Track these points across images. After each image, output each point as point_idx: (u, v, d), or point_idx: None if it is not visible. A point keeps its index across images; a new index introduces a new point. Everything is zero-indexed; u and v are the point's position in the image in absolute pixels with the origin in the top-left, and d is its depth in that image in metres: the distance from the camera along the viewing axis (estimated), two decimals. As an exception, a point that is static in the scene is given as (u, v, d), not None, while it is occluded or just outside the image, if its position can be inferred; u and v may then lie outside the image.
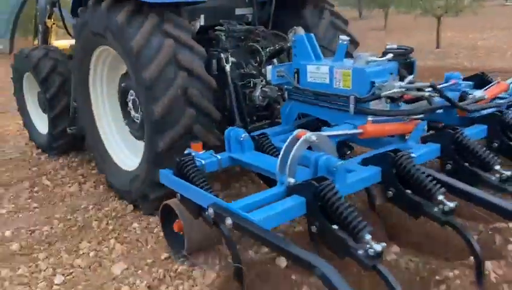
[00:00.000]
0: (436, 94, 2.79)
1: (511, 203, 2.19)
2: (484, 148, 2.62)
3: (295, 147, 2.23)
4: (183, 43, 3.13)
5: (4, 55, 6.49)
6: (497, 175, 2.48)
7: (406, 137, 2.95)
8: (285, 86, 3.37)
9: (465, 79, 3.63)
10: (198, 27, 3.66)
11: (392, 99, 2.75)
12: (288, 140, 2.30)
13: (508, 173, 2.45)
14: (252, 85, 3.61)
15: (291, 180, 2.25)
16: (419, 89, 2.77)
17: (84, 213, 3.88)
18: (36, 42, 5.81)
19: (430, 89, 2.79)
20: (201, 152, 2.85)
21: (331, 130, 2.74)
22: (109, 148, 3.99)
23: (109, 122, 4.06)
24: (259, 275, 2.31)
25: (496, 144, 2.96)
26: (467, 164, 2.62)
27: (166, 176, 2.73)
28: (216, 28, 3.76)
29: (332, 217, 2.03)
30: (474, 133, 2.92)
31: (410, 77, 2.78)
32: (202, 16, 3.71)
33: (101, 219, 3.70)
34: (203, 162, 2.74)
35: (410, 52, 3.07)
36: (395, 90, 2.66)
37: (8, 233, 3.60)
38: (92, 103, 4.01)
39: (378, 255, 1.83)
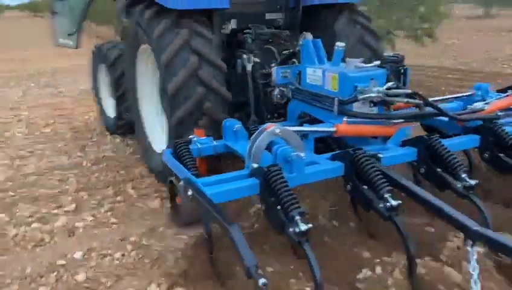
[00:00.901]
0: (419, 101, 2.97)
1: (450, 207, 2.26)
2: (454, 157, 2.70)
3: (259, 138, 2.53)
4: (198, 34, 3.53)
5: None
6: (463, 183, 2.60)
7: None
8: (290, 86, 3.65)
9: (498, 91, 3.66)
10: (229, 30, 4.08)
11: (374, 103, 2.96)
12: (257, 132, 2.56)
13: (472, 182, 2.58)
14: (272, 84, 3.78)
15: (254, 165, 2.50)
16: (408, 96, 2.98)
17: (161, 238, 3.37)
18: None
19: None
20: (202, 137, 3.17)
21: (305, 127, 3.08)
22: (150, 135, 4.42)
23: (150, 110, 4.46)
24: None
25: (487, 155, 3.08)
26: (439, 170, 2.75)
27: (166, 155, 3.04)
28: (245, 31, 4.00)
29: (275, 198, 2.27)
30: (465, 142, 3.12)
31: (389, 84, 2.94)
32: (234, 20, 4.06)
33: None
34: (199, 145, 3.08)
35: (400, 61, 3.19)
36: (371, 94, 2.86)
37: (78, 255, 3.23)
38: (137, 93, 4.44)
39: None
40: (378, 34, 4.31)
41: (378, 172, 2.46)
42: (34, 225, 3.72)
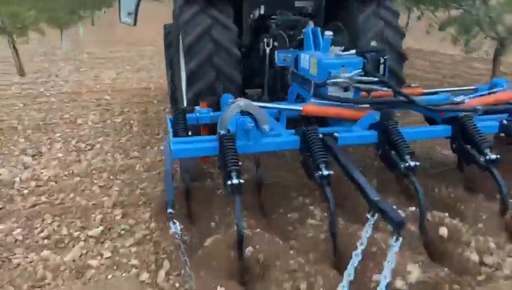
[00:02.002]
0: (387, 88, 3.25)
1: (372, 189, 2.43)
2: (402, 140, 2.91)
3: (227, 110, 2.92)
4: (219, 22, 3.86)
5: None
6: (407, 164, 2.80)
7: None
8: (290, 70, 3.93)
9: None
10: (257, 15, 4.31)
11: (345, 88, 3.26)
12: (228, 104, 2.96)
13: (412, 163, 2.79)
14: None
15: (221, 132, 2.82)
16: (377, 84, 3.24)
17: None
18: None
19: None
20: (204, 109, 3.53)
21: (273, 104, 3.50)
22: None
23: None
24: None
25: (455, 145, 3.24)
26: (392, 152, 2.95)
27: (167, 121, 3.44)
28: (272, 17, 4.18)
29: (222, 160, 2.68)
30: (435, 131, 3.38)
31: (358, 70, 3.20)
32: (262, 6, 4.24)
33: None
34: (198, 115, 3.48)
35: (379, 51, 3.33)
36: (338, 80, 3.20)
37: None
38: (180, 72, 4.58)
39: None
40: (401, 30, 4.33)
41: (319, 146, 2.77)
42: (43, 253, 2.97)
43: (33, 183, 4.08)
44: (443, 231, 2.72)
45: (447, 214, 2.89)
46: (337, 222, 2.60)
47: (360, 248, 2.20)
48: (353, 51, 3.37)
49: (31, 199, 3.76)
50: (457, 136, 3.16)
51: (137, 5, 5.71)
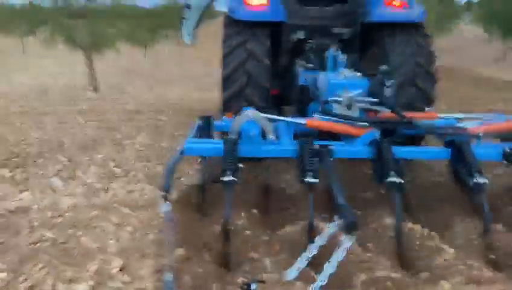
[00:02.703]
0: (387, 109, 3.49)
1: (341, 194, 2.65)
2: (390, 159, 3.02)
3: (238, 118, 3.25)
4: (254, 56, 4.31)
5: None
6: (389, 178, 2.93)
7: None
8: (310, 88, 4.29)
9: None
10: (295, 39, 4.74)
11: (347, 106, 3.45)
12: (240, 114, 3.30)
13: (397, 180, 2.92)
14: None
15: (232, 137, 3.18)
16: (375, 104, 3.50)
17: None
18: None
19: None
20: (228, 118, 3.89)
21: (278, 117, 3.66)
22: None
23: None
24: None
25: (451, 168, 3.36)
26: (380, 168, 3.12)
27: (194, 124, 3.78)
28: (308, 41, 4.70)
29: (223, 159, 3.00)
30: (432, 152, 3.53)
31: (354, 92, 3.44)
32: (301, 32, 4.72)
33: None
34: (222, 123, 3.90)
35: (385, 73, 3.54)
36: (338, 98, 3.45)
37: None
38: None
39: None
40: (433, 54, 4.41)
41: (310, 156, 3.02)
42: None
43: (49, 214, 3.69)
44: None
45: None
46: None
47: (318, 242, 2.53)
48: (358, 74, 3.69)
49: (37, 234, 3.34)
50: (454, 159, 3.26)
51: (196, 26, 6.14)
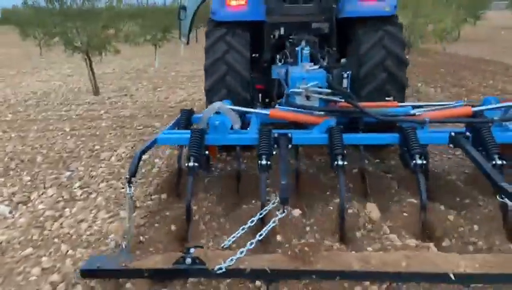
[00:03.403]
0: (345, 98, 3.77)
1: (286, 176, 2.99)
2: (338, 143, 3.27)
3: (207, 110, 3.57)
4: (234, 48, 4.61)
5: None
6: (335, 162, 3.18)
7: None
8: (282, 81, 4.37)
9: None
10: (277, 36, 4.84)
11: (307, 97, 3.69)
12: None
13: (340, 162, 3.17)
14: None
15: (200, 126, 3.52)
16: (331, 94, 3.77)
17: None
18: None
19: None
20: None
21: (244, 108, 4.01)
22: None
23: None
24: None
25: (400, 151, 3.55)
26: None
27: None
28: (290, 36, 4.78)
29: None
30: (381, 138, 3.74)
31: (314, 83, 3.64)
32: (282, 28, 4.79)
33: None
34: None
35: (341, 66, 4.24)
36: (295, 90, 3.68)
37: None
38: None
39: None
40: (403, 42, 4.68)
41: (267, 143, 3.27)
42: None
43: (-27, 253, 3.09)
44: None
45: None
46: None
47: (257, 216, 2.90)
48: (316, 67, 3.89)
49: None
50: (401, 143, 3.47)
51: (191, 25, 6.24)
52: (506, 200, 2.70)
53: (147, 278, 2.57)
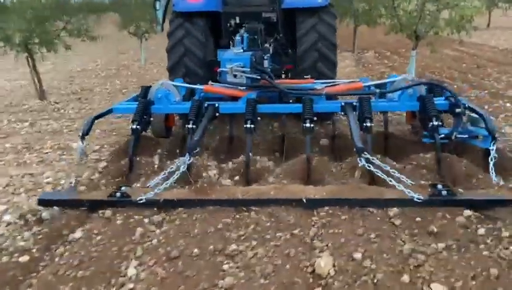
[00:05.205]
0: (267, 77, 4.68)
1: (198, 136, 4.00)
2: (249, 111, 4.17)
3: (154, 86, 4.64)
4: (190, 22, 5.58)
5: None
6: (246, 125, 4.09)
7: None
8: None
9: None
10: (233, 24, 5.63)
11: (234, 75, 4.65)
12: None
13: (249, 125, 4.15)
14: None
15: (147, 99, 4.53)
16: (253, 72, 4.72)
17: None
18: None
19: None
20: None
21: (187, 85, 5.16)
22: None
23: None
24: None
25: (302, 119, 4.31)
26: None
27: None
28: (243, 25, 5.55)
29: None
30: (287, 108, 4.67)
31: (238, 64, 4.61)
32: (237, 17, 5.60)
33: None
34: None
35: (262, 50, 5.13)
36: (223, 69, 4.69)
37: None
38: None
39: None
40: (334, 27, 5.47)
41: (195, 111, 4.21)
42: None
43: None
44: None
45: None
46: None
47: (168, 169, 3.75)
48: (240, 50, 4.90)
49: None
50: (302, 111, 4.22)
51: (165, 12, 6.55)
52: (361, 159, 3.56)
53: (87, 207, 3.45)
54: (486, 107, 6.13)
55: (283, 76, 5.93)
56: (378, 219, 3.11)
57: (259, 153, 4.33)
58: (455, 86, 7.76)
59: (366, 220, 3.08)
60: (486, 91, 7.26)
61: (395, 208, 3.19)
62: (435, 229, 2.89)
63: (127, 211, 3.37)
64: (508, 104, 6.31)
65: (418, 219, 3.08)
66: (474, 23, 7.35)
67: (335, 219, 3.13)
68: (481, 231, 2.89)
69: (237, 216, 3.26)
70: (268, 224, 3.12)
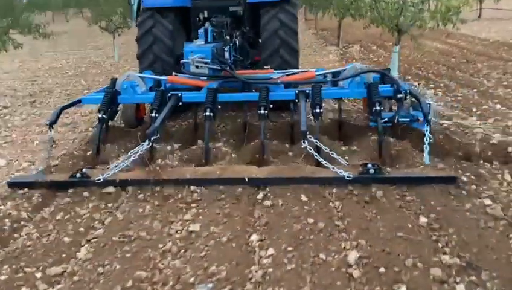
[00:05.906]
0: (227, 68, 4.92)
1: (160, 121, 4.25)
2: (209, 100, 4.46)
3: (120, 77, 4.85)
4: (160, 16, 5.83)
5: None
6: (204, 113, 4.39)
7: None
8: None
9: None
10: (202, 18, 5.90)
11: (196, 66, 4.83)
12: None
13: (208, 113, 4.42)
14: None
15: (113, 89, 4.77)
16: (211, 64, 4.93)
17: None
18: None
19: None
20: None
21: (153, 76, 5.37)
22: None
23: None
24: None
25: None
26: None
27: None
28: (211, 19, 5.64)
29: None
30: (251, 96, 4.76)
31: (198, 56, 4.81)
32: (206, 11, 5.88)
33: None
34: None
35: (223, 42, 5.24)
36: (185, 60, 4.86)
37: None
38: None
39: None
40: (295, 16, 5.75)
41: (158, 100, 4.50)
42: None
43: None
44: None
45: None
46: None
47: (128, 154, 4.01)
48: (202, 42, 5.15)
49: None
50: (258, 100, 4.48)
51: (137, 12, 6.45)
52: (304, 142, 3.86)
53: (51, 188, 3.77)
54: (474, 109, 5.53)
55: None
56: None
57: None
58: (441, 84, 7.14)
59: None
60: (475, 90, 6.64)
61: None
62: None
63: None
64: (497, 106, 5.71)
65: (381, 269, 2.54)
66: (461, 14, 6.73)
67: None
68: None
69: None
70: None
